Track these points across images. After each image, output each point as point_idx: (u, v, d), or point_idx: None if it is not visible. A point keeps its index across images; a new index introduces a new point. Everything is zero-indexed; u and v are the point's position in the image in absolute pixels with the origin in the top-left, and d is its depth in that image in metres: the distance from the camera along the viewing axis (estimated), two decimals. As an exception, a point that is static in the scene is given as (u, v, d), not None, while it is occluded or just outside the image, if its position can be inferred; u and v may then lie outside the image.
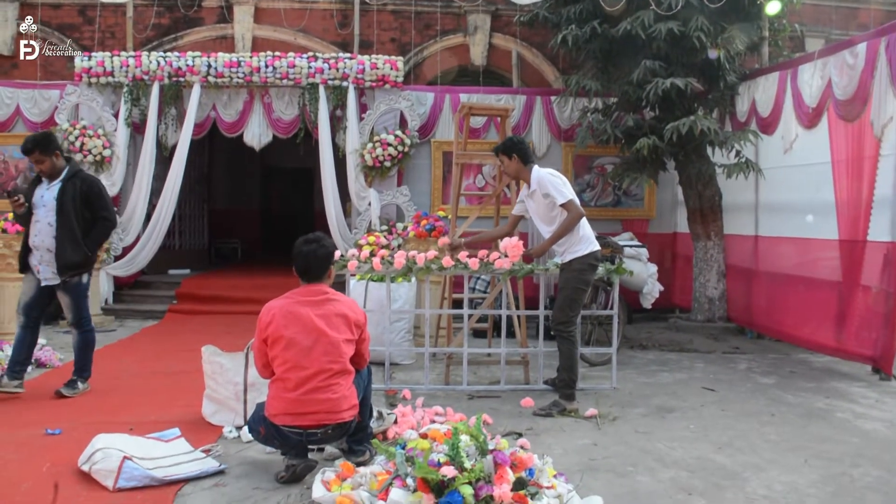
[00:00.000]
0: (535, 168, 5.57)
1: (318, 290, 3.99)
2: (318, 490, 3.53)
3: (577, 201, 5.43)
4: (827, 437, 4.91)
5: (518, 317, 6.55)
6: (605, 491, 3.71)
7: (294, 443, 3.87)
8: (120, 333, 8.86)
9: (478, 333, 7.98)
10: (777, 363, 7.46)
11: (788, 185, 8.12)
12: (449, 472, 3.10)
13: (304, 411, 3.77)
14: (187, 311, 10.06)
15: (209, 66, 10.05)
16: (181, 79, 10.15)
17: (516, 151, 5.63)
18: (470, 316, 6.33)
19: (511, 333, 6.62)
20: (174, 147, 10.35)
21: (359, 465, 3.90)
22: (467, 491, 3.09)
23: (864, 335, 6.79)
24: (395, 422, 4.66)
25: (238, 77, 10.06)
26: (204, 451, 4.33)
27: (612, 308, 6.41)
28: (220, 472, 4.02)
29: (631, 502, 3.66)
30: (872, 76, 6.60)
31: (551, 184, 5.37)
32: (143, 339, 8.54)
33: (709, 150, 8.97)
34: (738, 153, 8.49)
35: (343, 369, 3.87)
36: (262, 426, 3.95)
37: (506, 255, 5.83)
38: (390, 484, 3.26)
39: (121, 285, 10.60)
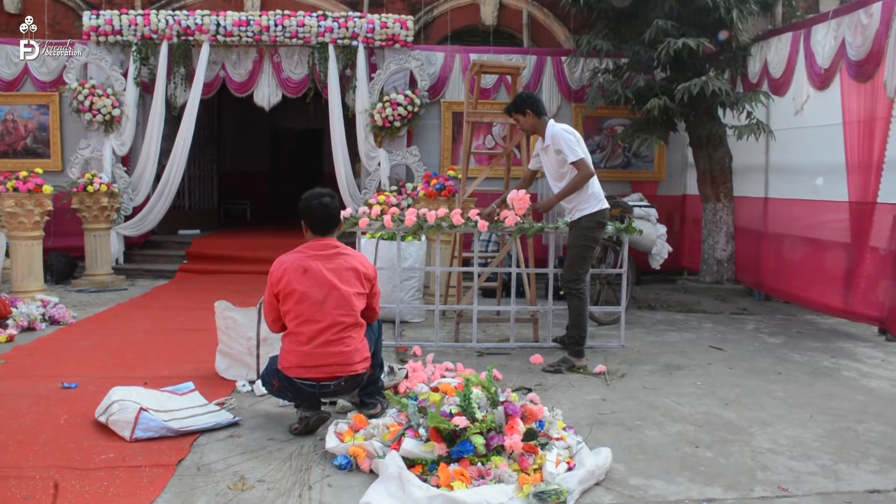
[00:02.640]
0: (551, 123, 5.54)
1: (329, 243, 4.02)
2: (331, 441, 3.60)
3: (590, 160, 5.42)
4: (832, 394, 4.97)
5: (527, 275, 6.59)
6: (613, 443, 3.77)
7: (307, 395, 3.93)
8: (131, 292, 8.94)
9: (487, 292, 8.03)
10: (784, 324, 7.50)
11: (799, 146, 8.08)
12: (461, 422, 3.16)
13: (318, 364, 3.82)
14: (198, 270, 10.13)
15: (218, 24, 9.99)
16: (190, 38, 10.09)
17: (529, 107, 5.59)
18: (479, 274, 6.37)
19: (520, 292, 6.65)
20: (183, 107, 10.33)
21: (371, 417, 3.97)
22: (479, 441, 3.15)
23: (871, 297, 6.81)
24: (406, 376, 4.72)
25: (247, 36, 10.01)
26: (218, 405, 4.40)
27: (621, 267, 6.45)
28: (234, 424, 4.09)
29: (639, 454, 3.72)
30: (887, 36, 6.54)
31: (564, 140, 5.35)
32: (154, 297, 8.61)
33: (720, 111, 8.92)
34: (749, 114, 8.45)
35: (355, 322, 3.92)
36: (275, 379, 4.01)
37: (512, 208, 5.82)
38: (403, 434, 3.33)
39: (131, 245, 10.67)
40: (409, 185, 9.78)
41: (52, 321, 6.86)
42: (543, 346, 6.20)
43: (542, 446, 3.31)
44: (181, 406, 4.27)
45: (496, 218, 5.88)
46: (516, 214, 5.79)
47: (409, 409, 3.41)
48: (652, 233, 8.35)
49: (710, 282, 9.43)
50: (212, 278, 9.68)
